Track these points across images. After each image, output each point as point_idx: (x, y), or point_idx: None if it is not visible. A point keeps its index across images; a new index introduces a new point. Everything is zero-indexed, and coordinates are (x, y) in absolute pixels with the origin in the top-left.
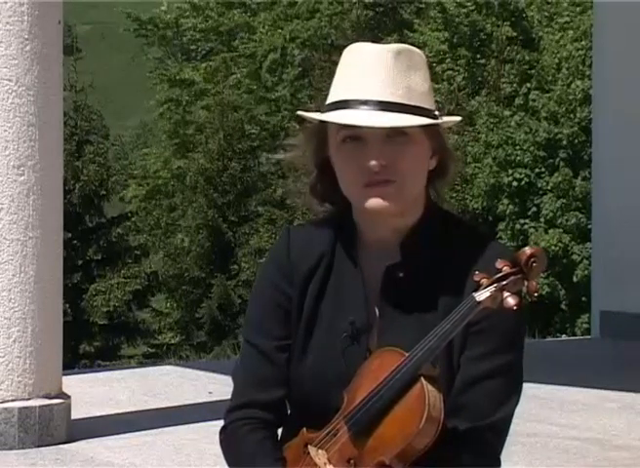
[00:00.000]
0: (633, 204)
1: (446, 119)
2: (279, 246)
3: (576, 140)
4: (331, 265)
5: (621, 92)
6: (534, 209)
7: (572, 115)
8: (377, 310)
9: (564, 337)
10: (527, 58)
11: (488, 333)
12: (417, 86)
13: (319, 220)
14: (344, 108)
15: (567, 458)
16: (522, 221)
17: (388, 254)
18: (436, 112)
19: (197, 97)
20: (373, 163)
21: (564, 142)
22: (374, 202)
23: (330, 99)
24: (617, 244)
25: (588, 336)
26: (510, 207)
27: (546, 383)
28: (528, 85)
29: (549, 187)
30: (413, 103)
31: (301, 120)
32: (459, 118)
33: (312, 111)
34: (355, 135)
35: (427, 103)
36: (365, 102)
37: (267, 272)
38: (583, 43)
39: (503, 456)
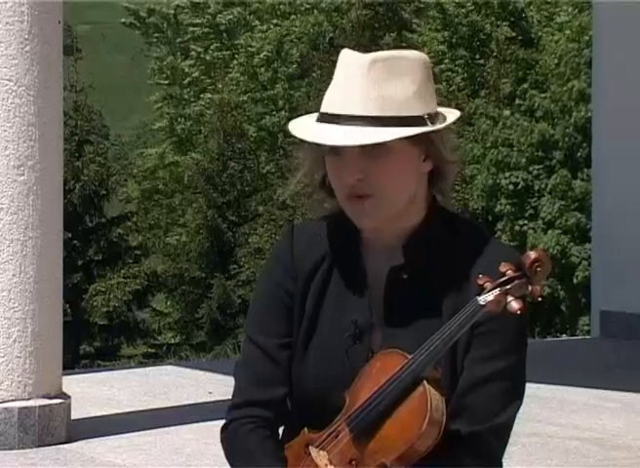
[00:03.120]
0: (633, 204)
1: (439, 126)
2: (282, 243)
3: (571, 141)
4: (334, 264)
5: (621, 91)
6: (531, 211)
7: (567, 116)
8: (380, 310)
9: (564, 337)
10: (525, 56)
11: (492, 336)
12: (396, 94)
13: (322, 219)
14: (322, 122)
15: (567, 458)
16: (521, 223)
17: (392, 254)
18: (425, 116)
19: (195, 94)
20: (348, 178)
21: (560, 143)
22: (354, 216)
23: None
24: (617, 243)
25: (588, 336)
26: (508, 207)
27: (546, 383)
28: (525, 85)
29: (548, 190)
30: (389, 114)
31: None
32: (453, 119)
33: (311, 112)
34: (334, 148)
35: (411, 110)
36: (338, 117)
37: (270, 269)
38: (581, 42)
39: (504, 456)
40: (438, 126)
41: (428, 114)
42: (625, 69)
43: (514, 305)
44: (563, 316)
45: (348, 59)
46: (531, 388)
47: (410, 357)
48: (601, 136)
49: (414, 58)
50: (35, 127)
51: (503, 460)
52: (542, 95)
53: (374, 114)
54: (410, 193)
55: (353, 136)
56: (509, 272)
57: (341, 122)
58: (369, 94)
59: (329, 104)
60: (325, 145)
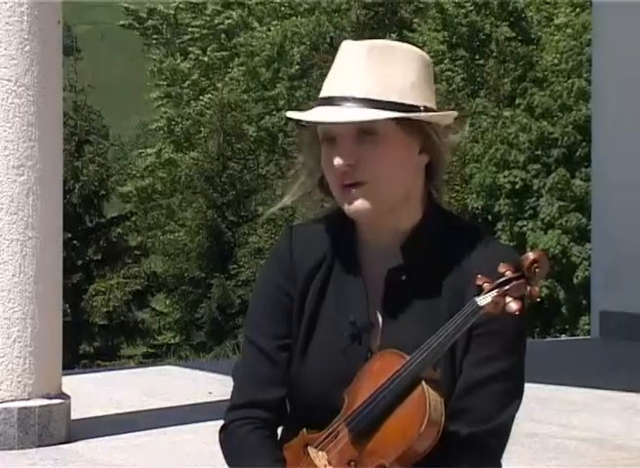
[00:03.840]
0: (633, 203)
1: (433, 114)
2: (281, 244)
3: (570, 139)
4: (332, 265)
5: (621, 90)
6: (530, 211)
7: (567, 114)
8: (378, 311)
9: (564, 337)
10: (525, 53)
11: (490, 337)
12: (393, 80)
13: (321, 219)
14: (319, 105)
15: (567, 458)
16: (520, 223)
17: (390, 255)
18: (422, 107)
19: (195, 94)
20: (339, 162)
21: (559, 142)
22: (349, 205)
23: None
24: (617, 243)
25: (588, 336)
26: (507, 207)
27: (546, 383)
28: (525, 83)
29: (546, 189)
30: (385, 99)
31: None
32: (449, 113)
33: (310, 108)
34: (328, 134)
35: (407, 98)
36: (333, 99)
37: (269, 271)
38: (581, 41)
39: (503, 457)
40: (432, 114)
41: (425, 107)
42: (625, 69)
43: (513, 306)
44: (563, 316)
45: (347, 47)
46: (530, 388)
47: (408, 357)
48: (601, 135)
49: (411, 49)
50: (35, 127)
51: (503, 460)
52: (542, 92)
53: (369, 97)
54: (404, 186)
55: (345, 114)
56: (508, 273)
57: (336, 103)
58: (365, 77)
59: (326, 89)
60: (321, 126)
